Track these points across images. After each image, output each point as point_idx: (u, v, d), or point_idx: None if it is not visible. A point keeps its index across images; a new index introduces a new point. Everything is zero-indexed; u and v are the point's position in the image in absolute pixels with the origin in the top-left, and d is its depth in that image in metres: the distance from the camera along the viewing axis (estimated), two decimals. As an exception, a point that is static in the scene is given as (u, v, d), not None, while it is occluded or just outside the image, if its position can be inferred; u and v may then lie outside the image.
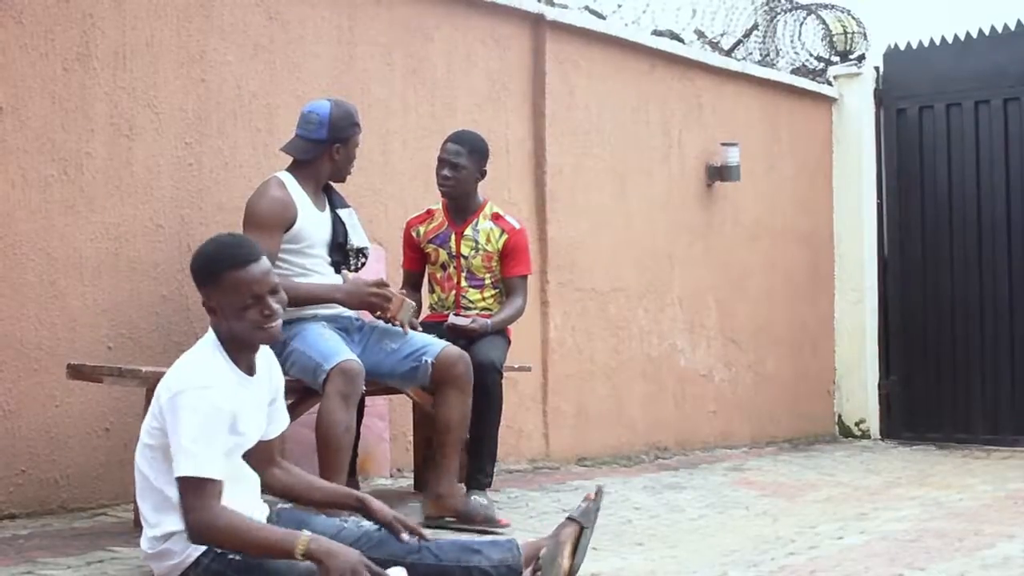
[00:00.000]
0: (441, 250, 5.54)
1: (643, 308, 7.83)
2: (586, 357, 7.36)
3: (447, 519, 4.92)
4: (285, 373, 4.72)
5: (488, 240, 5.53)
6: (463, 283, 5.52)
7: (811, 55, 9.64)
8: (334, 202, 5.08)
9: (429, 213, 5.62)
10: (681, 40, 8.49)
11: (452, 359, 4.92)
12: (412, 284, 5.66)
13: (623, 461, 7.39)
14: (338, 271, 5.01)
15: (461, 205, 5.54)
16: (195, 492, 3.13)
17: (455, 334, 5.30)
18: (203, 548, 3.24)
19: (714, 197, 8.43)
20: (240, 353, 3.38)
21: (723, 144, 8.31)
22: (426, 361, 4.88)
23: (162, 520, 3.25)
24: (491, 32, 6.85)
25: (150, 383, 4.18)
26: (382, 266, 5.94)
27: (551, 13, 7.13)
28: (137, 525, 3.83)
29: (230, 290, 3.32)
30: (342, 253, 5.04)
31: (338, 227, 5.02)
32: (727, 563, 4.41)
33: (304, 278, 4.87)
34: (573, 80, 7.33)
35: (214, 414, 3.19)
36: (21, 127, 4.79)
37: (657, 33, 8.29)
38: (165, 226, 5.24)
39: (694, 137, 8.26)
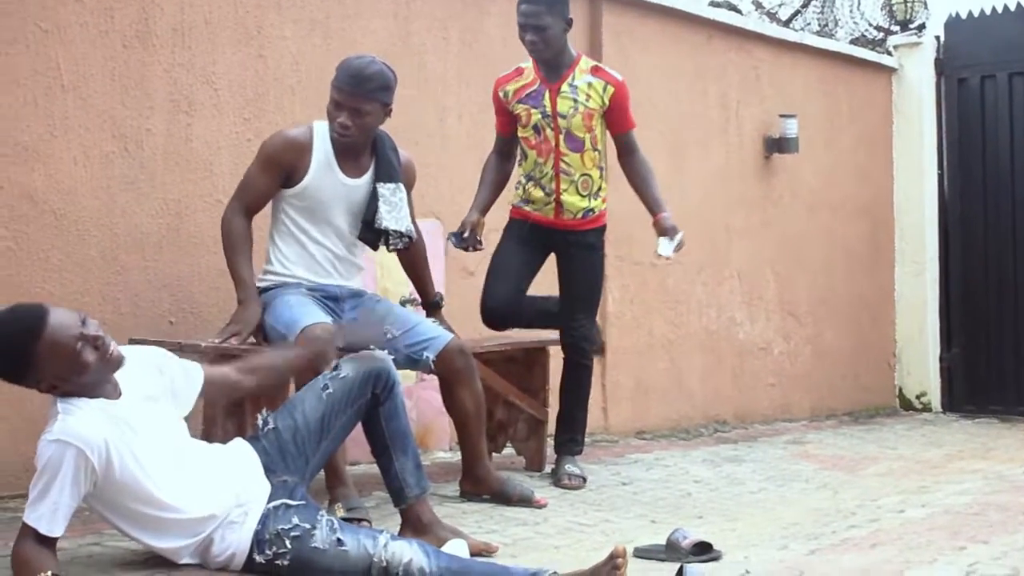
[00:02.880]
0: (534, 111, 5.19)
1: (701, 281, 7.80)
2: (644, 331, 7.35)
3: (483, 496, 4.83)
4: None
5: (589, 96, 5.18)
6: (562, 146, 5.20)
7: (870, 25, 9.57)
8: (379, 173, 4.68)
9: (518, 71, 5.26)
10: (739, 11, 8.49)
11: (453, 354, 4.69)
12: (502, 151, 5.38)
13: (682, 435, 7.38)
14: (375, 249, 4.78)
15: (553, 63, 5.17)
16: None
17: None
18: (249, 542, 3.29)
19: (772, 169, 8.37)
20: (93, 392, 3.26)
21: (781, 116, 8.25)
22: (427, 357, 4.66)
23: (169, 542, 3.31)
24: (547, 5, 6.82)
25: (209, 357, 4.21)
26: (440, 239, 5.93)
27: (607, -15, 7.11)
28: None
29: (50, 364, 3.17)
30: (372, 232, 4.68)
31: (372, 202, 4.64)
32: (787, 536, 4.40)
33: (302, 250, 4.63)
34: (630, 53, 7.29)
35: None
36: (83, 105, 4.84)
37: (714, 4, 8.28)
38: (224, 201, 5.25)
39: (752, 109, 8.20)
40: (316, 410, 3.66)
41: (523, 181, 5.37)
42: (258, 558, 3.27)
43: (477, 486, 4.88)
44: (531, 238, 5.35)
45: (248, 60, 5.39)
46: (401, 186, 4.72)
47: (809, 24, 9.27)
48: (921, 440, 7.64)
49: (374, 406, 3.80)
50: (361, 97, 4.50)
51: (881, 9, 9.61)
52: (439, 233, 5.99)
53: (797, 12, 9.26)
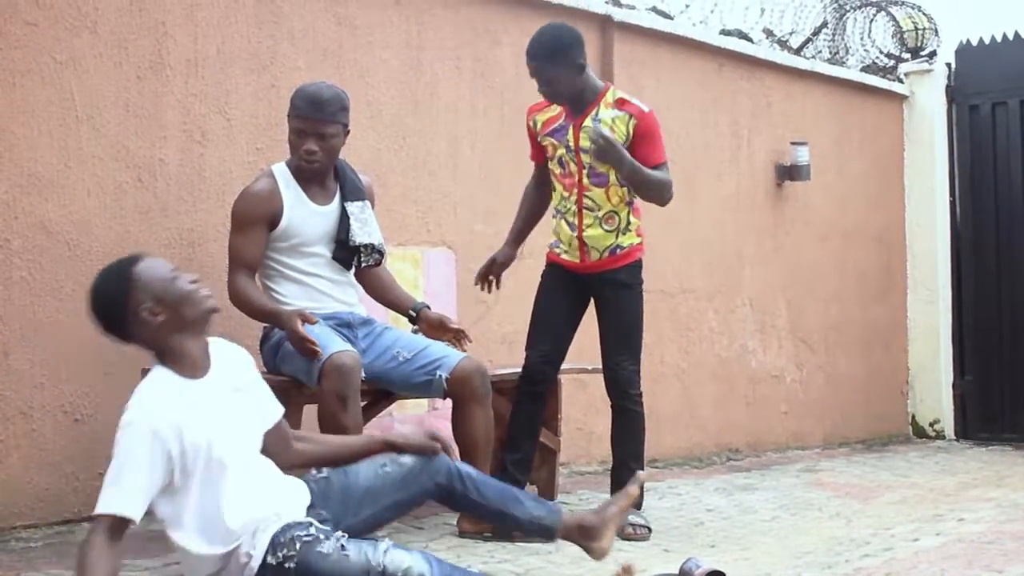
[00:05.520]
0: (559, 144, 5.03)
1: (713, 309, 7.81)
2: (656, 359, 7.34)
3: (484, 534, 4.69)
4: (278, 371, 4.61)
5: (613, 130, 4.91)
6: (585, 180, 4.99)
7: (881, 52, 9.55)
8: (346, 193, 4.76)
9: (548, 101, 5.06)
10: (749, 39, 8.46)
11: (468, 372, 4.67)
12: (539, 179, 5.25)
13: (694, 463, 7.37)
14: (348, 268, 4.79)
15: (575, 99, 4.97)
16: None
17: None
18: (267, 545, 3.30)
19: (784, 197, 8.38)
20: (185, 352, 3.34)
21: (793, 143, 8.26)
22: (440, 376, 4.66)
23: (209, 548, 3.31)
24: (558, 34, 6.85)
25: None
26: (452, 269, 5.94)
27: (619, 14, 7.13)
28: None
29: (148, 287, 3.30)
30: (346, 250, 4.74)
31: (343, 221, 4.71)
32: (801, 565, 4.39)
33: (299, 285, 4.68)
34: (641, 81, 7.31)
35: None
36: (96, 135, 4.87)
37: (725, 32, 8.26)
38: (237, 231, 5.29)
39: (763, 137, 8.22)
40: (368, 480, 3.65)
41: (554, 215, 5.23)
42: (270, 559, 3.31)
43: (478, 522, 4.67)
44: (567, 288, 5.21)
45: (261, 90, 5.42)
46: (368, 204, 4.83)
47: (820, 52, 9.25)
48: (935, 468, 7.61)
49: (451, 495, 3.73)
50: (323, 121, 4.62)
51: (892, 36, 9.59)
52: (452, 263, 6.01)
53: (808, 40, 9.24)
